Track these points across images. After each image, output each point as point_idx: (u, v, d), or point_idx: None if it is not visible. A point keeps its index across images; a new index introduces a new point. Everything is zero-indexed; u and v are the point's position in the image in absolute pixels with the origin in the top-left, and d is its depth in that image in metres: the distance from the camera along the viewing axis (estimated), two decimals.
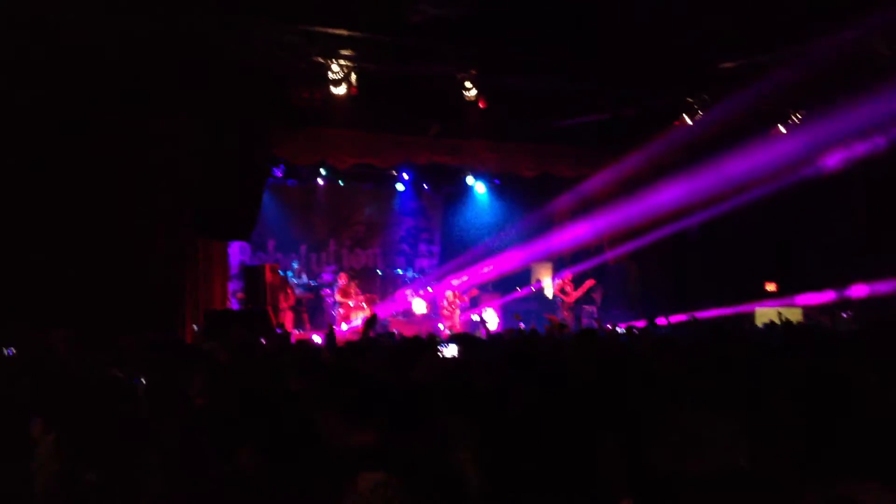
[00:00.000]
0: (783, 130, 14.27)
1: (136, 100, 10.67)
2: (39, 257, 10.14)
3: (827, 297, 14.37)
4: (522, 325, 11.07)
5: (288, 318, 14.83)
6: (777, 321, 11.01)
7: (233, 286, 15.44)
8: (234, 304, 14.83)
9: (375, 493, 2.14)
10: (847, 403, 3.10)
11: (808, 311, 14.08)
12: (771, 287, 15.78)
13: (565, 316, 15.33)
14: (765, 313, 13.59)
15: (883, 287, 13.86)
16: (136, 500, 2.33)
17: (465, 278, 17.05)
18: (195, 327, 11.30)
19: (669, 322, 11.60)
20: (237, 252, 16.84)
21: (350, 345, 7.30)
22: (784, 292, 15.01)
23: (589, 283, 15.82)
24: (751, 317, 14.26)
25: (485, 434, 2.72)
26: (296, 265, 17.05)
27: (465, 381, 4.03)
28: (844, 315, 12.94)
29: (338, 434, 2.72)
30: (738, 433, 2.69)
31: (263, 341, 8.18)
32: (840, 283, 14.21)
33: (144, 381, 3.72)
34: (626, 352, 6.41)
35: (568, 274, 15.98)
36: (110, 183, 10.87)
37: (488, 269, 17.24)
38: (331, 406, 2.86)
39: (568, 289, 15.79)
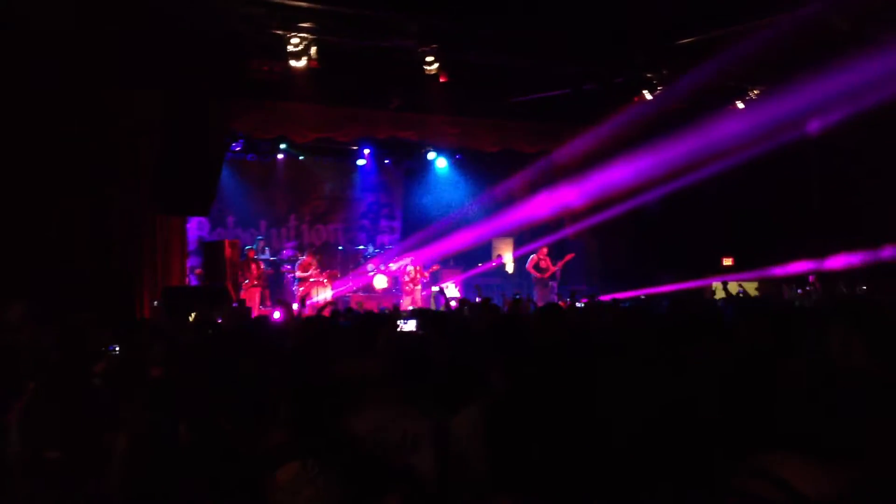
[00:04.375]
0: (741, 106, 14.43)
1: (94, 73, 10.43)
2: None
3: (781, 271, 14.64)
4: (479, 299, 11.08)
5: (255, 295, 14.69)
6: (728, 293, 11.22)
7: (191, 262, 15.25)
8: (192, 281, 14.66)
9: (298, 481, 2.14)
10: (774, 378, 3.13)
11: (762, 285, 14.35)
12: (728, 261, 16.03)
13: (538, 292, 15.28)
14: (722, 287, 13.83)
15: (836, 262, 14.16)
16: (99, 478, 2.30)
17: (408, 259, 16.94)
18: (154, 303, 11.16)
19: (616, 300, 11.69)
20: (195, 228, 16.63)
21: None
22: (741, 267, 15.27)
23: (568, 257, 15.75)
24: (708, 290, 14.52)
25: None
26: (259, 239, 16.87)
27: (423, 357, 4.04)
28: (800, 290, 13.21)
29: (249, 439, 2.68)
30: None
31: (220, 320, 8.07)
32: (795, 257, 14.48)
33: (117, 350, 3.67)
34: (588, 326, 6.45)
35: (543, 249, 15.87)
36: (67, 157, 10.64)
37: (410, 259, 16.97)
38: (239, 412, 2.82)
39: (543, 264, 15.69)
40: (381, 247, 19.07)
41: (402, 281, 16.39)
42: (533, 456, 2.40)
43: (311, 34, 11.31)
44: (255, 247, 16.23)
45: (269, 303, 15.39)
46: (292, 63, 11.44)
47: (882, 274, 13.46)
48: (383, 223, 19.75)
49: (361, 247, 18.68)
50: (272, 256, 16.81)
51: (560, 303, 12.19)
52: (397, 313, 6.71)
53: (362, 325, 5.94)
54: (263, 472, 2.24)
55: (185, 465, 2.47)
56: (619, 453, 2.55)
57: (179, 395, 3.22)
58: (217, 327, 6.47)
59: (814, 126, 13.72)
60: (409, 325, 6.68)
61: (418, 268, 16.22)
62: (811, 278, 13.90)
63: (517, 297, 9.68)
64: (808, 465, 1.67)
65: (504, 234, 18.51)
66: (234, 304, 11.27)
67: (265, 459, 2.34)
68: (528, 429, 2.51)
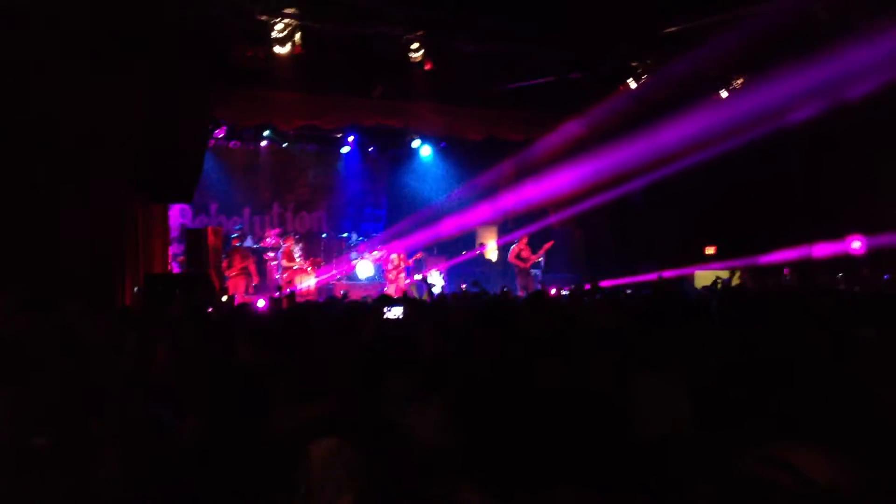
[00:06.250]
0: (724, 95, 14.47)
1: (75, 58, 10.31)
2: None
3: (763, 260, 14.73)
4: (465, 286, 11.11)
5: (241, 283, 14.64)
6: (716, 284, 11.28)
7: (173, 249, 15.16)
8: (175, 268, 14.59)
9: (331, 459, 2.12)
10: (781, 368, 3.17)
11: (744, 274, 14.43)
12: (710, 250, 16.11)
13: (520, 281, 15.27)
14: (704, 276, 13.91)
15: (820, 250, 14.28)
16: (89, 468, 2.29)
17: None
18: (136, 289, 11.09)
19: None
20: (178, 215, 16.54)
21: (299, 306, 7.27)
22: (723, 256, 15.34)
23: (548, 245, 15.75)
24: (690, 279, 14.59)
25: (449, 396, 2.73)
26: (238, 228, 16.79)
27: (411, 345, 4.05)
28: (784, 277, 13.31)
29: (287, 407, 2.69)
30: (682, 397, 2.75)
31: (210, 310, 8.04)
32: (777, 246, 14.57)
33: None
34: (571, 314, 6.47)
35: (524, 238, 15.89)
36: (48, 144, 10.52)
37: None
38: (279, 380, 2.83)
39: (525, 254, 15.67)
40: (366, 234, 19.04)
41: (385, 269, 16.38)
42: (508, 446, 2.41)
43: (296, 20, 11.25)
44: (237, 234, 16.15)
45: (252, 290, 15.35)
46: (276, 49, 11.37)
47: (856, 264, 13.63)
48: (368, 211, 19.72)
49: (346, 234, 18.64)
50: (255, 244, 16.75)
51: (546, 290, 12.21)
52: (384, 300, 6.70)
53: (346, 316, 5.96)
54: (295, 445, 2.21)
55: (191, 461, 2.45)
56: (608, 442, 2.57)
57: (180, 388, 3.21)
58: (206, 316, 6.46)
59: (795, 116, 13.78)
60: (395, 312, 6.67)
61: (402, 255, 16.20)
62: (785, 270, 14.01)
63: (504, 290, 9.70)
64: (820, 454, 1.69)
65: (488, 223, 18.51)
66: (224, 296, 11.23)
67: (299, 432, 2.32)
68: (505, 419, 2.52)
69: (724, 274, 12.15)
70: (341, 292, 14.55)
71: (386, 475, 2.22)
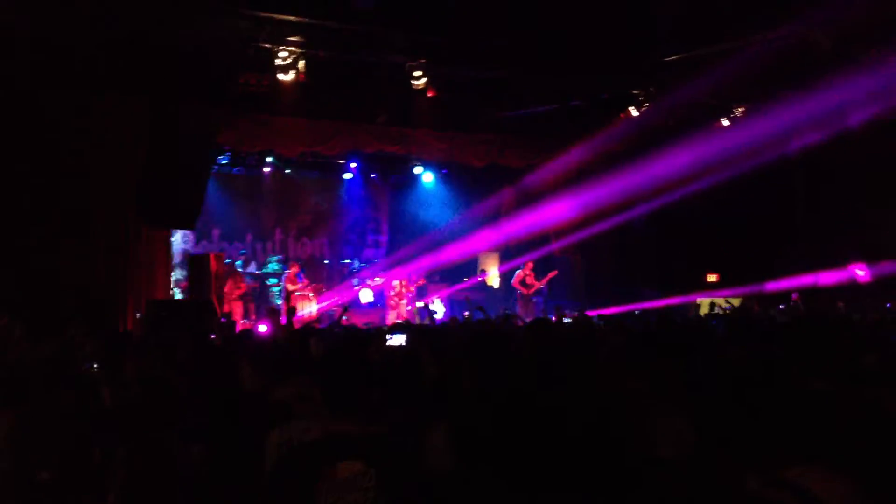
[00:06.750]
0: (726, 123, 14.52)
1: (80, 86, 10.41)
2: None
3: (764, 287, 14.73)
4: (466, 314, 11.10)
5: (237, 308, 14.63)
6: (718, 310, 11.28)
7: (176, 275, 15.17)
8: (177, 294, 14.60)
9: (353, 482, 2.15)
10: (786, 391, 3.16)
11: (746, 301, 14.42)
12: (712, 278, 16.10)
13: (521, 308, 15.21)
14: (707, 303, 13.89)
15: (826, 278, 14.28)
16: (91, 500, 2.27)
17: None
18: (138, 316, 11.09)
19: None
20: (180, 240, 16.56)
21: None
22: (725, 283, 15.33)
23: (552, 274, 15.77)
24: (692, 306, 14.57)
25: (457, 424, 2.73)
26: (242, 253, 16.81)
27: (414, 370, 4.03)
28: (782, 306, 13.29)
29: (317, 419, 2.69)
30: (686, 422, 2.74)
31: (213, 336, 8.03)
32: (780, 273, 14.57)
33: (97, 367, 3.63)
34: (574, 340, 6.46)
35: (529, 265, 15.86)
36: (52, 171, 10.60)
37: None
38: (315, 393, 2.84)
39: (529, 280, 15.65)
40: (368, 261, 19.03)
41: (387, 295, 16.37)
42: (512, 470, 2.39)
43: (300, 48, 11.32)
44: (239, 263, 16.18)
45: (253, 316, 15.33)
46: (280, 76, 11.43)
47: (860, 291, 13.62)
48: (370, 237, 19.72)
49: (347, 261, 18.63)
50: (257, 270, 16.75)
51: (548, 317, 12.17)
52: (389, 327, 6.71)
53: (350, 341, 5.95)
54: (322, 461, 2.23)
55: (197, 486, 2.45)
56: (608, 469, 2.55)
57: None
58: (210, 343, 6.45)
59: (794, 145, 13.86)
60: (397, 340, 6.66)
61: (404, 282, 16.19)
62: (794, 296, 14.00)
63: (506, 312, 9.67)
64: (831, 477, 1.69)
65: (490, 250, 18.51)
66: (223, 319, 11.21)
67: (324, 446, 2.33)
68: (509, 444, 2.50)
69: (722, 302, 12.15)
70: (339, 305, 14.45)
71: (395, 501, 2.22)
